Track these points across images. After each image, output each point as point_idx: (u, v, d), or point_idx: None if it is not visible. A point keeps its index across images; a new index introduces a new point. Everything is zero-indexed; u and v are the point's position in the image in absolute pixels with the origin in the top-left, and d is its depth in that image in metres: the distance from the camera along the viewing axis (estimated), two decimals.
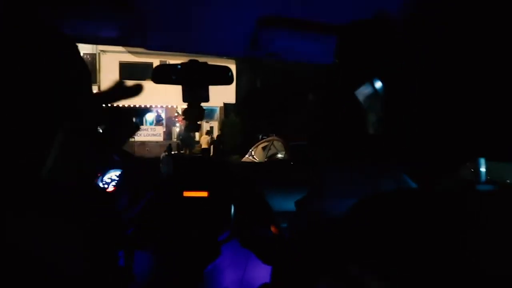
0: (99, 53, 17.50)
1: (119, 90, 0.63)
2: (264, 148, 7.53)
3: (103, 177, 1.46)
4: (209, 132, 14.71)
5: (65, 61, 0.58)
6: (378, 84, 0.68)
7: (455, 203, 0.46)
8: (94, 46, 16.44)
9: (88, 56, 17.14)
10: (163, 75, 1.31)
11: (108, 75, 17.50)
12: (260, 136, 15.04)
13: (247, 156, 7.97)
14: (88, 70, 0.64)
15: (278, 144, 7.15)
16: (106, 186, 1.47)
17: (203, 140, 15.09)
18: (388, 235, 0.47)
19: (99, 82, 17.50)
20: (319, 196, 0.78)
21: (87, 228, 0.55)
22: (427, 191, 0.60)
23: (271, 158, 7.05)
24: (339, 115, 0.75)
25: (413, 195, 0.55)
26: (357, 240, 0.50)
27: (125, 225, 1.17)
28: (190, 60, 1.29)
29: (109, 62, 17.74)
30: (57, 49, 0.57)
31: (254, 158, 7.61)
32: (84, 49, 16.55)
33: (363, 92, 0.69)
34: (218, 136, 15.92)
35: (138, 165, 1.33)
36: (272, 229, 1.02)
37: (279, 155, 6.92)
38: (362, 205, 0.55)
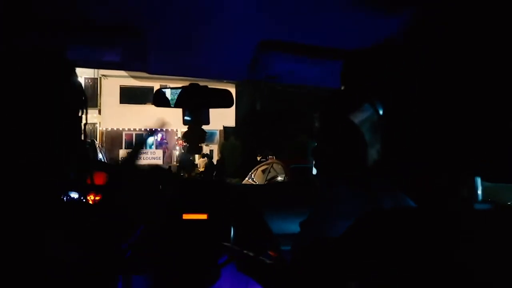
0: (100, 78, 17.68)
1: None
2: (264, 171, 7.52)
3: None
4: (206, 156, 14.71)
5: (62, 82, 0.60)
6: (380, 108, 0.69)
7: (452, 221, 0.47)
8: (96, 70, 16.64)
9: (89, 81, 17.31)
10: (163, 98, 1.33)
11: (109, 99, 17.64)
12: (259, 158, 15.04)
13: (247, 179, 7.95)
14: (83, 94, 0.66)
15: (277, 167, 7.14)
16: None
17: (201, 163, 15.06)
18: (387, 252, 0.47)
19: (100, 106, 17.61)
20: (322, 217, 0.78)
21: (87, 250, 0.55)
22: (424, 209, 0.60)
23: (271, 181, 7.03)
24: (338, 139, 0.76)
25: (411, 213, 0.56)
26: (357, 257, 0.50)
27: (123, 248, 1.16)
28: (191, 84, 1.31)
29: (110, 86, 17.89)
30: (54, 71, 0.58)
31: (254, 181, 7.59)
32: (86, 73, 16.74)
33: (363, 115, 0.70)
34: (218, 160, 15.91)
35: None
36: (271, 253, 1.01)
37: (279, 178, 6.91)
38: (361, 224, 0.55)
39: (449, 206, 0.64)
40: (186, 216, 1.22)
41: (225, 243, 1.05)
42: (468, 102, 0.55)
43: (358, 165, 0.73)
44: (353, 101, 0.70)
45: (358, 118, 0.68)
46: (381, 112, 0.68)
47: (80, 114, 0.65)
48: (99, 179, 1.42)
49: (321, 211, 0.80)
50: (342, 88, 0.77)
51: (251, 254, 0.98)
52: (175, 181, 0.73)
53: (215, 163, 15.74)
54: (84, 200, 1.01)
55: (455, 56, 0.58)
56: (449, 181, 0.62)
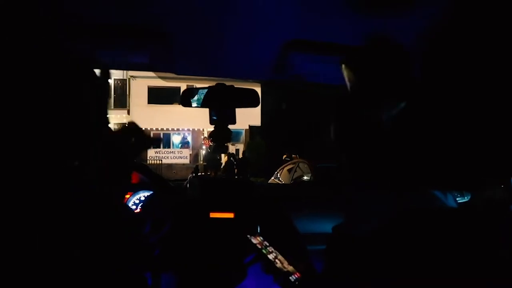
0: (129, 79, 18.09)
1: None
2: (289, 171, 7.50)
3: (132, 197, 1.49)
4: (231, 155, 14.71)
5: (78, 82, 0.61)
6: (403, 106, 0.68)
7: (486, 222, 0.46)
8: (125, 72, 17.04)
9: (119, 82, 17.75)
10: (190, 99, 1.35)
11: (137, 100, 18.02)
12: (284, 157, 14.97)
13: (273, 178, 7.95)
14: (106, 93, 0.67)
15: (303, 166, 7.11)
16: (134, 207, 1.50)
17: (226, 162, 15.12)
18: (420, 252, 0.46)
19: (129, 106, 18.02)
20: (356, 220, 0.77)
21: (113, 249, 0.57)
22: (458, 210, 0.59)
23: (297, 180, 7.00)
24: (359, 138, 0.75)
25: (444, 214, 0.55)
26: (391, 257, 0.50)
27: (152, 246, 1.19)
28: (217, 84, 1.32)
29: (138, 87, 18.28)
30: (71, 71, 0.60)
31: (280, 180, 7.58)
32: (115, 75, 17.18)
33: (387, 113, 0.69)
34: (240, 158, 15.92)
35: (166, 186, 1.35)
36: (296, 275, 1.00)
37: (305, 177, 6.87)
38: (396, 224, 0.55)
39: (485, 208, 0.63)
40: (213, 215, 1.24)
41: (252, 240, 1.05)
42: (491, 101, 0.54)
43: (387, 165, 0.72)
44: (373, 100, 0.69)
45: (381, 116, 0.67)
46: (404, 111, 0.66)
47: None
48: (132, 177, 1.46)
49: (354, 214, 0.79)
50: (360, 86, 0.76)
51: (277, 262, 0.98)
52: (146, 136, 0.74)
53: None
54: (122, 199, 1.04)
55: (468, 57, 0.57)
56: (483, 182, 0.61)
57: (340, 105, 0.74)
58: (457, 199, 0.73)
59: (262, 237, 1.05)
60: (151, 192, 1.46)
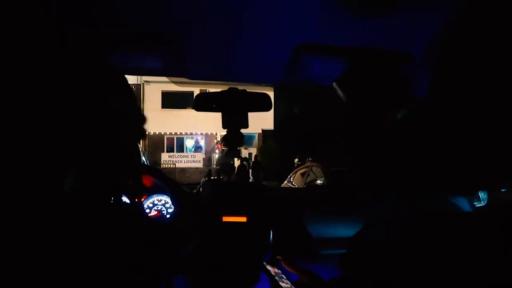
0: (143, 84, 18.32)
1: None
2: (303, 174, 7.48)
3: (146, 201, 1.51)
4: (245, 159, 14.61)
5: (113, 90, 0.62)
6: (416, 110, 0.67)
7: (501, 226, 0.45)
8: (138, 77, 17.27)
9: (133, 87, 17.96)
10: (203, 103, 1.35)
11: (151, 104, 18.24)
12: (296, 161, 14.90)
13: (285, 182, 7.93)
14: (134, 101, 0.68)
15: (317, 170, 7.08)
16: (148, 210, 1.51)
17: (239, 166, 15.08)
18: (436, 257, 0.46)
19: (143, 110, 18.24)
20: (374, 226, 0.77)
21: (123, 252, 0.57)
22: (473, 214, 0.58)
23: (310, 184, 6.97)
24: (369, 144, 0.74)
25: (458, 218, 0.54)
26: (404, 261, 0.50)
27: (178, 253, 1.20)
28: (230, 88, 1.33)
29: (152, 92, 18.50)
30: (106, 79, 0.61)
31: (293, 184, 7.56)
32: (129, 80, 17.37)
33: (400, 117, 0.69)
34: (253, 162, 15.90)
35: (181, 191, 1.36)
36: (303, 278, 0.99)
37: (318, 181, 6.84)
38: (410, 226, 0.54)
39: (501, 211, 0.62)
40: (226, 219, 1.24)
41: (268, 268, 1.05)
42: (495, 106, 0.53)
43: (399, 171, 0.71)
44: (385, 103, 0.69)
45: (395, 120, 0.67)
46: (418, 114, 0.66)
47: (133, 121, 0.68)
48: (144, 181, 1.47)
49: (371, 219, 0.78)
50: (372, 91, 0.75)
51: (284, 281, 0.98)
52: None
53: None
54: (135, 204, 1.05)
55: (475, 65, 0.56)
56: (491, 185, 0.60)
57: (349, 113, 0.74)
58: (474, 203, 0.72)
59: (280, 268, 1.05)
60: (165, 198, 1.47)
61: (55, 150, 0.53)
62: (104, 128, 0.58)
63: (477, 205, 0.71)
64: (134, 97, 0.67)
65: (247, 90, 1.33)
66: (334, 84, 0.77)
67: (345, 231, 1.44)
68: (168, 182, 1.36)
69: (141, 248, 0.61)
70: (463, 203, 0.66)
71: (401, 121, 0.65)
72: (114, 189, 0.58)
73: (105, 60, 0.62)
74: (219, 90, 1.33)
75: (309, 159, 8.51)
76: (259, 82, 1.52)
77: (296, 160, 15.60)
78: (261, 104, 1.35)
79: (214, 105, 1.33)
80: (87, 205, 0.54)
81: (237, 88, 1.32)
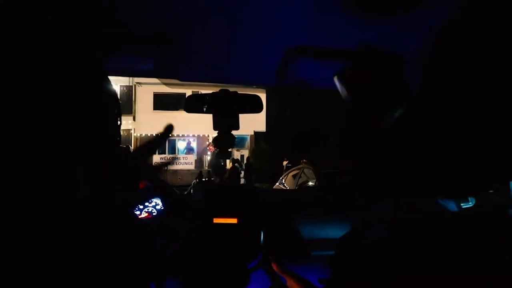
0: (135, 85, 18.22)
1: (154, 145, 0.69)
2: (294, 176, 7.49)
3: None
4: (236, 161, 14.49)
5: (94, 89, 0.62)
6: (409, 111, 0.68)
7: (488, 226, 0.46)
8: (130, 78, 17.17)
9: (124, 88, 17.88)
10: (194, 104, 1.35)
11: (143, 106, 18.15)
12: (285, 163, 14.87)
13: (277, 184, 7.94)
14: (117, 101, 0.68)
15: (308, 172, 7.10)
16: (138, 212, 1.51)
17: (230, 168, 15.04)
18: (424, 257, 0.46)
19: (135, 112, 18.13)
20: (363, 227, 0.77)
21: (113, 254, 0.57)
22: (459, 215, 0.59)
23: (302, 186, 6.99)
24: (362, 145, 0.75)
25: (447, 219, 0.55)
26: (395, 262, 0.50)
27: (161, 254, 1.19)
28: (221, 90, 1.33)
29: (144, 94, 18.41)
30: (87, 78, 0.60)
31: (285, 186, 7.57)
32: (121, 81, 17.32)
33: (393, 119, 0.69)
34: (246, 164, 15.87)
35: (171, 192, 1.36)
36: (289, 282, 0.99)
37: (310, 183, 6.86)
38: (400, 229, 0.55)
39: (488, 212, 0.63)
40: (216, 220, 1.24)
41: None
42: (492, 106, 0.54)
43: (390, 172, 0.72)
44: (380, 106, 0.69)
45: (379, 124, 0.67)
46: (412, 116, 0.67)
47: (118, 123, 0.67)
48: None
49: (360, 220, 0.79)
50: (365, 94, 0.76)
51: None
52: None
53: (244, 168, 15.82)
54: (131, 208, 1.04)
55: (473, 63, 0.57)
56: (482, 186, 0.61)
57: (344, 115, 0.75)
58: (461, 204, 0.73)
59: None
60: (156, 200, 1.47)
61: (56, 150, 0.53)
62: (103, 128, 0.58)
63: (464, 206, 0.72)
64: (117, 97, 0.67)
65: (239, 92, 1.33)
66: (335, 79, 0.77)
67: (336, 232, 1.44)
68: (159, 184, 1.35)
69: (131, 248, 0.61)
70: (450, 204, 0.67)
71: (396, 122, 0.66)
72: (114, 189, 0.58)
73: (94, 59, 0.62)
74: (210, 91, 1.34)
75: (304, 160, 8.53)
76: (252, 84, 1.52)
77: (285, 162, 15.58)
78: (252, 106, 1.35)
79: (205, 107, 1.33)
80: (88, 205, 0.54)
81: (228, 90, 1.32)
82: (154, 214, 1.52)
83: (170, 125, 0.72)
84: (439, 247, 0.51)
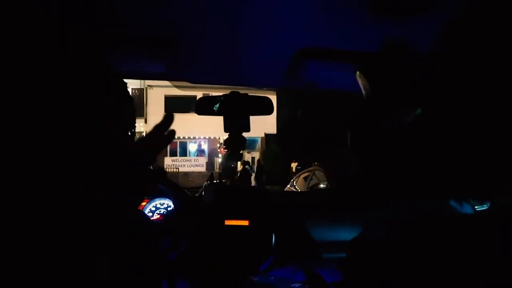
0: (146, 88, 18.38)
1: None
2: (306, 178, 7.46)
3: (149, 205, 1.51)
4: (247, 163, 14.41)
5: (112, 94, 0.63)
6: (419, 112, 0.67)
7: (502, 229, 0.45)
8: (142, 81, 17.34)
9: (136, 91, 18.05)
10: (205, 107, 1.36)
11: (154, 108, 18.29)
12: (295, 165, 14.77)
13: (288, 186, 7.92)
14: (132, 105, 0.68)
15: (320, 174, 7.06)
16: (151, 214, 1.52)
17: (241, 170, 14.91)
18: (435, 260, 0.46)
19: (146, 115, 18.29)
20: (371, 230, 0.77)
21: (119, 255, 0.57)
22: (463, 216, 0.58)
23: (313, 188, 6.95)
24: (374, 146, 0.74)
25: (459, 221, 0.54)
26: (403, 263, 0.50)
27: (170, 254, 1.20)
28: (231, 92, 1.33)
29: (155, 96, 18.55)
30: (105, 83, 0.61)
31: (296, 189, 7.54)
32: (133, 84, 17.48)
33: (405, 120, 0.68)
34: (257, 167, 15.84)
35: (183, 194, 1.36)
36: None
37: (321, 185, 6.82)
38: (410, 228, 0.54)
39: (502, 215, 0.62)
40: (228, 222, 1.24)
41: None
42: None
43: (404, 173, 0.71)
44: (388, 108, 0.69)
45: (397, 124, 0.67)
46: (423, 117, 0.66)
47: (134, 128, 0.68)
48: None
49: (375, 225, 0.78)
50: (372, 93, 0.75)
51: None
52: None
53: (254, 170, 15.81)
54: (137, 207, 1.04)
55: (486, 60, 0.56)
56: (501, 190, 0.60)
57: (357, 115, 0.74)
58: (476, 207, 0.71)
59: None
60: (168, 201, 1.48)
61: (56, 150, 0.53)
62: (102, 128, 0.58)
63: (478, 209, 0.71)
64: (129, 99, 0.68)
65: (249, 94, 1.33)
66: (358, 76, 0.76)
67: (348, 234, 1.43)
68: (170, 186, 1.36)
69: (133, 247, 0.61)
70: (465, 207, 0.66)
71: (412, 122, 0.65)
72: (114, 189, 0.58)
73: (100, 61, 0.63)
74: (221, 94, 1.34)
75: (315, 163, 8.49)
76: (261, 86, 1.52)
77: (294, 165, 15.49)
78: (263, 107, 1.35)
79: (215, 109, 1.33)
80: (88, 205, 0.54)
81: (238, 92, 1.33)
82: (165, 215, 1.53)
83: (173, 130, 0.73)
84: (443, 247, 0.51)
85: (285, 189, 8.00)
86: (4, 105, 0.50)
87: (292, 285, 1.00)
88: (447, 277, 0.46)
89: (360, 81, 0.76)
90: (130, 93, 0.71)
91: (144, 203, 1.50)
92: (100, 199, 0.55)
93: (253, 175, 14.25)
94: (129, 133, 0.67)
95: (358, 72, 0.76)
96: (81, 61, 0.59)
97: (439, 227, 0.53)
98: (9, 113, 0.50)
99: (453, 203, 0.62)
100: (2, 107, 0.50)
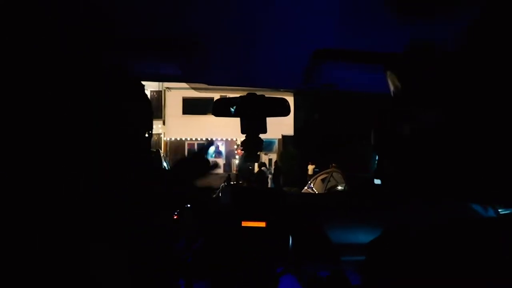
0: (164, 90, 18.58)
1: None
2: (323, 180, 7.41)
3: None
4: (263, 165, 14.36)
5: (129, 98, 0.64)
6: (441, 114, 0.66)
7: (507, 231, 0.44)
8: (160, 83, 17.53)
9: (155, 93, 18.27)
10: (222, 108, 1.37)
11: (172, 110, 18.48)
12: (312, 167, 14.65)
13: (306, 188, 7.88)
14: (149, 106, 0.69)
15: (337, 176, 7.00)
16: None
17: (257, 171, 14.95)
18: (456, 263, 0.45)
19: (164, 117, 18.49)
20: (394, 233, 0.75)
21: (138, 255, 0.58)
22: (496, 220, 0.57)
23: (331, 190, 6.90)
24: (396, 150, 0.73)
25: (481, 224, 0.53)
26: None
27: (185, 254, 1.21)
28: (248, 93, 1.33)
29: (173, 98, 18.74)
30: (123, 88, 0.62)
31: (314, 190, 7.50)
32: (151, 86, 17.71)
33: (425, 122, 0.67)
34: (274, 168, 15.80)
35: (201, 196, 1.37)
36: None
37: (339, 187, 6.77)
38: (432, 234, 0.53)
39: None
40: (245, 224, 1.24)
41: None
42: None
43: (427, 175, 0.70)
44: (410, 109, 0.67)
45: (425, 124, 0.65)
46: (444, 118, 0.64)
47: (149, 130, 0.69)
48: None
49: (396, 228, 0.77)
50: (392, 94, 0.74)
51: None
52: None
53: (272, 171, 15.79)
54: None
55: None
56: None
57: (381, 115, 0.73)
58: (499, 210, 0.70)
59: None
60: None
61: (56, 150, 0.54)
62: (104, 128, 0.58)
63: (502, 212, 0.69)
64: (146, 103, 0.68)
65: (266, 96, 1.33)
66: (388, 74, 0.75)
67: (367, 237, 1.41)
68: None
69: (154, 248, 0.62)
70: (489, 211, 0.65)
71: (436, 125, 0.64)
72: (115, 189, 0.59)
73: (116, 65, 0.63)
74: (238, 95, 1.34)
75: (333, 164, 8.42)
76: (278, 88, 1.52)
77: (311, 167, 15.39)
78: (280, 109, 1.35)
79: (232, 110, 1.34)
80: (89, 204, 0.55)
81: (255, 94, 1.33)
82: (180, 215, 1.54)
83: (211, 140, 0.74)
84: (470, 251, 0.50)
85: (302, 191, 7.96)
86: (5, 105, 0.51)
87: None
88: (472, 280, 0.45)
89: (389, 80, 0.74)
90: (149, 96, 0.72)
91: None
92: (100, 199, 0.56)
93: (270, 176, 14.22)
94: (146, 135, 0.67)
95: (388, 71, 0.75)
96: (86, 62, 0.60)
97: (466, 230, 0.52)
98: (10, 113, 0.51)
99: (476, 206, 0.60)
100: (3, 107, 0.51)
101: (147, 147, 0.70)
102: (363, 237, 1.45)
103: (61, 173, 0.54)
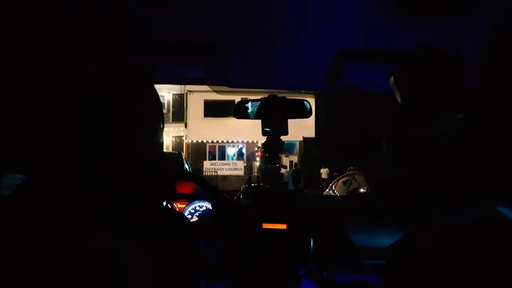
0: (186, 93, 18.79)
1: None
2: (345, 183, 7.32)
3: (188, 207, 1.54)
4: (282, 167, 14.17)
5: (140, 97, 0.64)
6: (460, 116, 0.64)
7: None
8: (182, 86, 17.74)
9: (177, 96, 18.50)
10: (243, 110, 1.37)
11: (194, 113, 18.66)
12: (326, 171, 14.42)
13: (327, 190, 7.81)
14: (157, 102, 0.69)
15: (359, 178, 6.91)
16: (190, 216, 1.54)
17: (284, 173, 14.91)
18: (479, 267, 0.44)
19: (186, 119, 18.69)
20: (415, 237, 0.74)
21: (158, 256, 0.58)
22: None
23: (353, 193, 6.81)
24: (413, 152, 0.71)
25: (497, 225, 0.51)
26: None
27: (206, 254, 1.21)
28: (269, 95, 1.33)
29: (195, 101, 18.92)
30: (126, 88, 0.62)
31: (335, 193, 7.42)
32: (173, 89, 17.95)
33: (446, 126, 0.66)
34: (294, 170, 15.69)
35: (222, 198, 1.38)
36: None
37: (361, 190, 6.67)
38: (453, 237, 0.52)
39: None
40: (266, 226, 1.24)
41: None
42: None
43: (445, 178, 0.68)
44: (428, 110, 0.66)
45: (436, 129, 0.64)
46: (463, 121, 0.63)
47: (159, 127, 0.69)
48: (186, 188, 1.50)
49: (419, 231, 0.75)
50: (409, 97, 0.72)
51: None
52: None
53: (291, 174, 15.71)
54: (170, 207, 1.06)
55: None
56: None
57: (394, 121, 0.72)
58: None
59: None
60: (207, 204, 1.50)
61: (56, 150, 0.55)
62: (104, 128, 0.58)
63: None
64: (153, 103, 0.68)
65: (287, 97, 1.33)
66: (391, 82, 0.74)
67: (389, 240, 1.39)
68: (209, 189, 1.38)
69: (176, 248, 0.62)
70: None
71: (456, 126, 0.63)
72: (115, 189, 0.59)
73: (128, 66, 0.64)
74: (259, 97, 1.35)
75: (351, 167, 8.31)
76: (300, 89, 1.51)
77: (325, 170, 15.21)
78: (301, 111, 1.35)
79: (253, 113, 1.34)
80: (90, 204, 0.56)
81: (276, 95, 1.33)
82: (203, 217, 1.55)
83: None
84: (491, 253, 0.48)
85: (324, 193, 7.89)
86: (5, 104, 0.52)
87: None
88: (495, 282, 0.44)
89: (394, 85, 0.73)
90: (171, 99, 0.72)
91: (183, 206, 1.53)
92: (99, 198, 0.56)
93: (285, 172, 14.08)
94: (154, 130, 0.68)
95: (392, 76, 0.74)
96: (86, 62, 0.61)
97: (490, 232, 0.50)
98: (10, 113, 0.52)
99: (502, 208, 0.59)
100: (4, 107, 0.52)
101: (157, 147, 0.70)
102: (386, 240, 1.42)
103: (61, 173, 0.55)
